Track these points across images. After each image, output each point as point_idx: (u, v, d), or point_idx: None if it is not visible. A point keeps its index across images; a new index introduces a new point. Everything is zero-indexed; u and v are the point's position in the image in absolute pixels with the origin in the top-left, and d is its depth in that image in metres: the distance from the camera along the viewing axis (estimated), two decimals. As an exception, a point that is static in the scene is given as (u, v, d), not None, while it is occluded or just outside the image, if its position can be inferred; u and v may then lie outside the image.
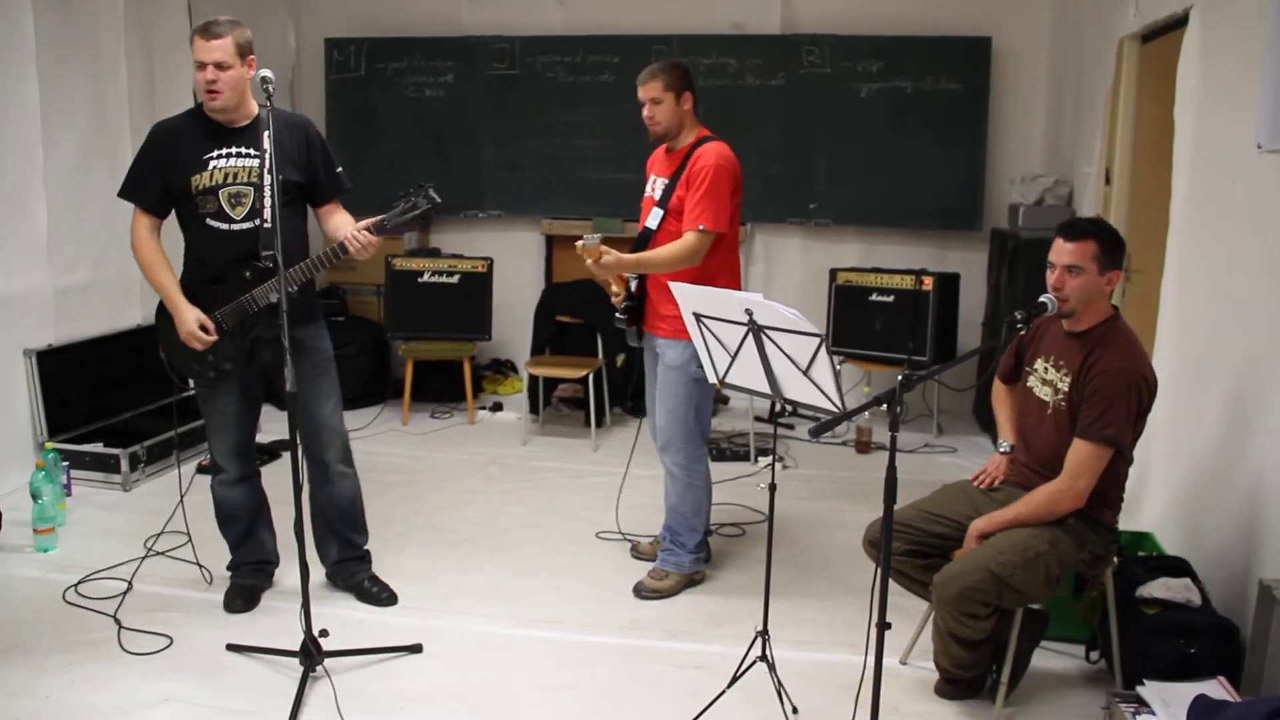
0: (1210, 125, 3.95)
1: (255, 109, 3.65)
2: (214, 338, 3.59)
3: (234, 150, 3.59)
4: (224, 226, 3.59)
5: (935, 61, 6.78)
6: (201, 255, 3.66)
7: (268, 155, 3.47)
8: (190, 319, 3.57)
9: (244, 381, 3.76)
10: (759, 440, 6.12)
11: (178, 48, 6.22)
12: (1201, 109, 4.01)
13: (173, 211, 3.69)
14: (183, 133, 3.61)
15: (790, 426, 6.51)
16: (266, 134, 3.47)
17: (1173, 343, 4.16)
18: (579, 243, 3.76)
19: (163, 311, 3.70)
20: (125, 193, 3.67)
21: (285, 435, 3.26)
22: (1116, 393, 3.02)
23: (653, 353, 4.16)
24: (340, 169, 3.83)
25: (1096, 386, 3.06)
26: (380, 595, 3.97)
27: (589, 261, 3.79)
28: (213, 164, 3.57)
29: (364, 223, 3.53)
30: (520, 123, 7.41)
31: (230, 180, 3.58)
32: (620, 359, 6.66)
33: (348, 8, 7.62)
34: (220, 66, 3.45)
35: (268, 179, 3.49)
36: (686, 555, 4.15)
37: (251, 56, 3.57)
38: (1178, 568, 3.51)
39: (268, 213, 3.52)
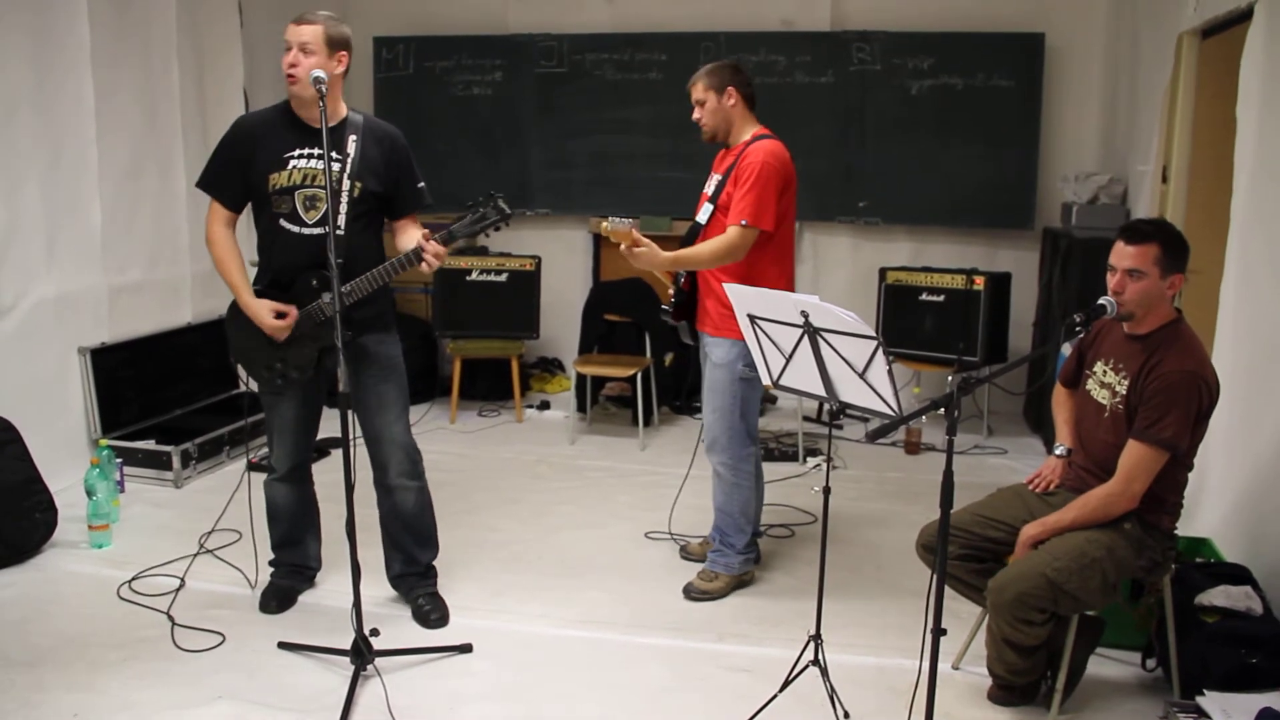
0: (1275, 122, 3.86)
1: (344, 111, 3.59)
2: (292, 320, 3.54)
3: (317, 151, 3.50)
4: (295, 229, 3.54)
5: (987, 58, 6.70)
6: (271, 256, 3.62)
7: (348, 160, 3.47)
8: (264, 312, 3.52)
9: (307, 388, 3.73)
10: (807, 440, 6.08)
11: (228, 50, 6.30)
12: (1266, 106, 3.92)
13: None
14: (267, 128, 3.56)
15: (839, 427, 6.46)
16: (352, 137, 3.49)
17: (1233, 345, 4.08)
18: (605, 224, 3.67)
19: (233, 314, 3.67)
20: (203, 184, 3.62)
21: (339, 433, 3.26)
22: (1175, 396, 2.97)
23: (703, 350, 4.15)
24: (423, 184, 3.73)
25: (1156, 389, 3.00)
26: (430, 616, 3.82)
27: (622, 247, 3.73)
28: (292, 163, 3.51)
29: (429, 233, 3.47)
30: (568, 121, 7.42)
31: (308, 182, 3.51)
32: (669, 358, 6.65)
33: (396, 7, 7.65)
34: (304, 50, 3.39)
35: (345, 184, 3.49)
36: (735, 556, 4.13)
37: (343, 53, 3.49)
38: (1238, 575, 3.43)
39: (342, 219, 3.48)
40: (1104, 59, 6.64)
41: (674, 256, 3.86)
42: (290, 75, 3.40)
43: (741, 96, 3.97)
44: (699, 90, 3.98)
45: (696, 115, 4.01)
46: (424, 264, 3.46)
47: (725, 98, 3.95)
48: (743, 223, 3.79)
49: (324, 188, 3.46)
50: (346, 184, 3.51)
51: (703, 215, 4.03)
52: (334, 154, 3.50)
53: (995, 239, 7.01)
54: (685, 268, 4.00)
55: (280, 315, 3.54)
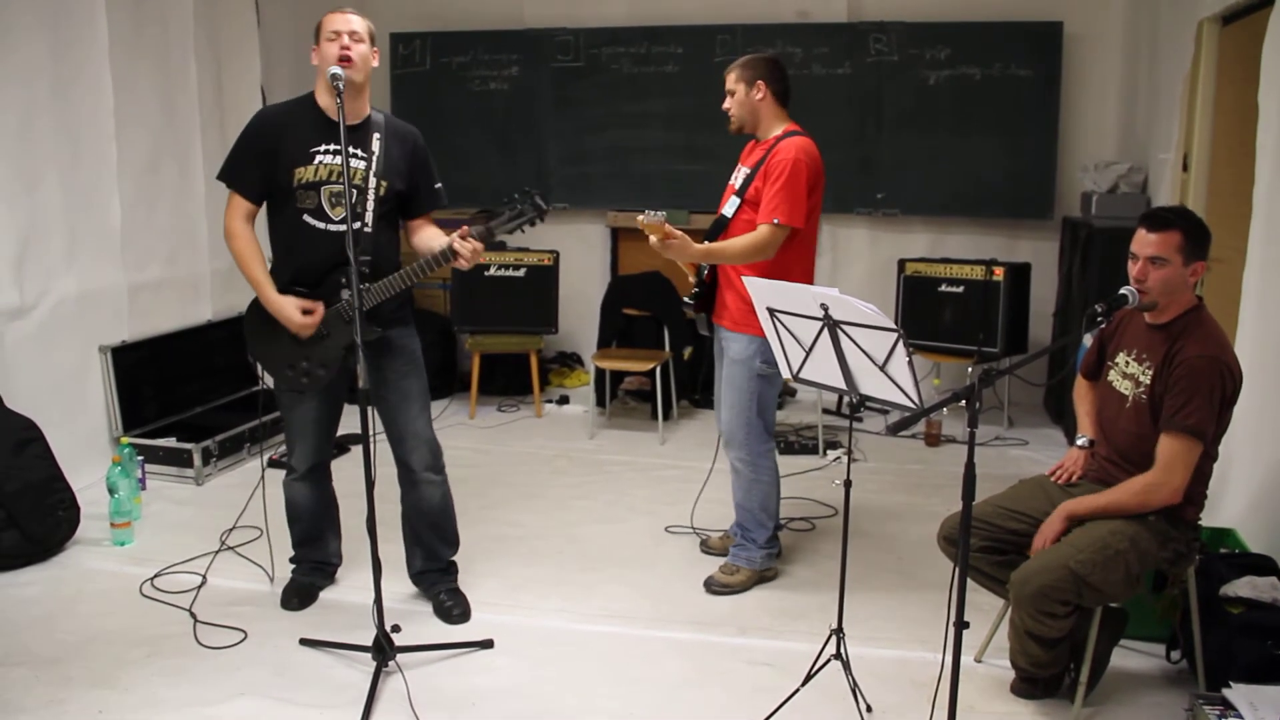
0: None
1: (368, 109, 3.56)
2: (319, 317, 3.51)
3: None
4: (320, 225, 3.50)
5: (1005, 47, 6.66)
6: (292, 253, 3.57)
7: (374, 158, 3.46)
8: (291, 309, 3.49)
9: (330, 387, 3.69)
10: (827, 433, 6.07)
11: (246, 46, 6.31)
12: (1289, 92, 3.89)
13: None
14: (291, 121, 3.52)
15: (859, 419, 6.45)
16: (376, 136, 3.47)
17: (1256, 333, 4.04)
18: (640, 217, 3.69)
19: (253, 312, 3.64)
20: (225, 176, 3.57)
21: (358, 429, 3.25)
22: (1198, 381, 2.94)
23: (720, 344, 4.14)
24: (439, 185, 3.72)
25: (1180, 375, 2.97)
26: (453, 611, 3.82)
27: (653, 239, 3.74)
28: (319, 158, 3.47)
29: (466, 230, 3.44)
30: (585, 115, 7.42)
31: (334, 178, 3.47)
32: (687, 352, 6.64)
33: (412, 2, 7.65)
34: (354, 36, 3.39)
35: (371, 182, 3.47)
36: (758, 551, 4.12)
37: (376, 49, 3.52)
38: (1263, 566, 3.40)
39: (369, 217, 3.48)
40: (1123, 46, 6.59)
41: (705, 250, 3.86)
42: (346, 59, 3.36)
43: (772, 92, 3.96)
44: (731, 80, 3.98)
45: (726, 105, 4.01)
46: (459, 262, 3.45)
47: (754, 91, 3.94)
48: (775, 221, 3.77)
49: (352, 185, 3.45)
50: (373, 181, 3.50)
51: (729, 208, 4.01)
52: (360, 151, 3.49)
53: (1014, 229, 6.96)
54: (715, 262, 4.00)
55: (307, 312, 3.52)
